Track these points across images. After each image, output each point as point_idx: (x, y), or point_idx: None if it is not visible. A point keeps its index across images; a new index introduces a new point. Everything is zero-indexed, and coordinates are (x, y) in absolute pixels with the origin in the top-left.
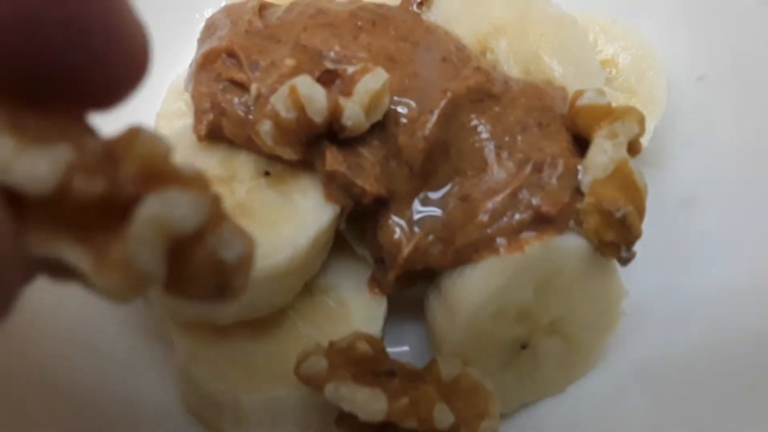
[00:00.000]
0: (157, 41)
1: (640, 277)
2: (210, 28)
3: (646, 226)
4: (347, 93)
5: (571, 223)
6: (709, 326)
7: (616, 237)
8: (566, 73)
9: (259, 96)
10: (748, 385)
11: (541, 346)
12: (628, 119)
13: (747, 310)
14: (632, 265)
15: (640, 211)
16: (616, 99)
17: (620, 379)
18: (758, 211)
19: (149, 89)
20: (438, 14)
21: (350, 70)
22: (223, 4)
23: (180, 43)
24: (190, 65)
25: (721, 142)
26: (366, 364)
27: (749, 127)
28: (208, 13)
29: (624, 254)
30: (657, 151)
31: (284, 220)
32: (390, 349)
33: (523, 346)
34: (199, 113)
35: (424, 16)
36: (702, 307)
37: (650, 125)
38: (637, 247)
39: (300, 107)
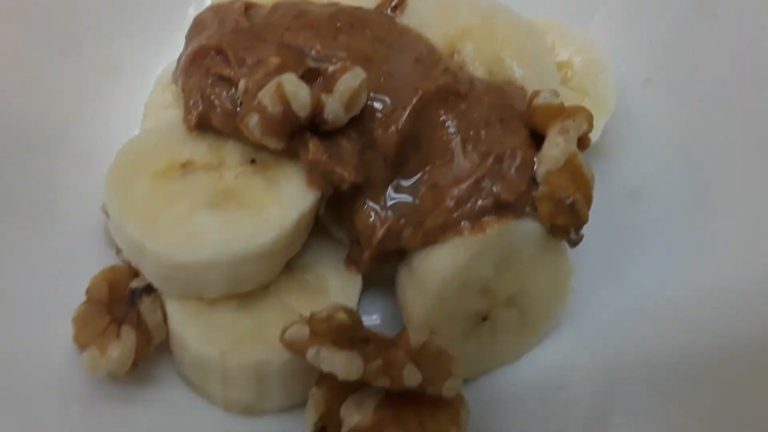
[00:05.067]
0: (144, 36)
1: (590, 259)
2: (198, 25)
3: (596, 213)
4: (328, 90)
5: (528, 209)
6: (652, 302)
7: (566, 221)
8: (525, 74)
9: (247, 91)
10: (690, 353)
11: (500, 318)
12: (578, 117)
13: (685, 288)
14: (583, 248)
15: (588, 199)
16: (570, 98)
17: (571, 350)
18: (696, 202)
19: (138, 81)
20: (411, 17)
21: (331, 68)
22: (209, 2)
23: (166, 38)
24: (179, 60)
25: (665, 139)
26: (344, 331)
27: (690, 126)
28: (193, 10)
29: (573, 236)
30: (606, 146)
31: (270, 203)
32: (366, 322)
33: (484, 318)
34: (189, 105)
35: (398, 19)
36: (645, 286)
37: (600, 123)
38: (587, 232)
39: (286, 102)
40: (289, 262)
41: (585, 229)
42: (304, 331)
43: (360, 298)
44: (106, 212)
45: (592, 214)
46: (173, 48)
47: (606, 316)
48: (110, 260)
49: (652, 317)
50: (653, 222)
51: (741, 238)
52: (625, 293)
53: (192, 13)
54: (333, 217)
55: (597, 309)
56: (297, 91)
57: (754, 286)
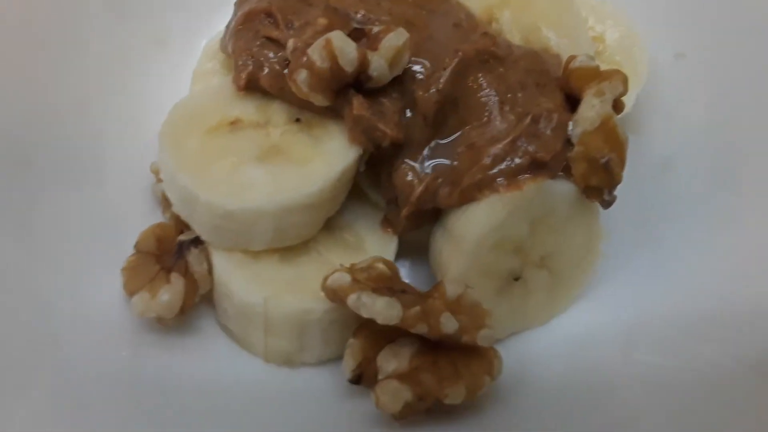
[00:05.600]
0: (192, 7)
1: (620, 227)
2: None
3: (627, 184)
4: (374, 48)
5: (562, 173)
6: (680, 271)
7: (600, 182)
8: (561, 44)
9: (296, 49)
10: (715, 326)
11: (531, 278)
12: (614, 80)
13: (713, 256)
14: (614, 216)
15: (622, 160)
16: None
17: (599, 316)
18: (726, 173)
19: (185, 49)
20: None
21: (375, 29)
22: None
23: (212, 11)
24: (228, 25)
25: (696, 112)
26: (383, 281)
27: (721, 101)
28: None
29: (606, 197)
30: (638, 118)
31: (315, 157)
32: None
33: (516, 278)
34: (238, 66)
35: None
36: (674, 254)
37: (633, 94)
38: (618, 200)
39: (333, 58)
40: (328, 221)
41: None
42: (346, 278)
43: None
44: (154, 172)
45: (623, 184)
46: (219, 20)
47: (635, 284)
48: (157, 219)
49: (680, 285)
50: (683, 193)
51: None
52: (654, 262)
53: None
54: (371, 178)
55: (626, 276)
56: (344, 46)
57: None
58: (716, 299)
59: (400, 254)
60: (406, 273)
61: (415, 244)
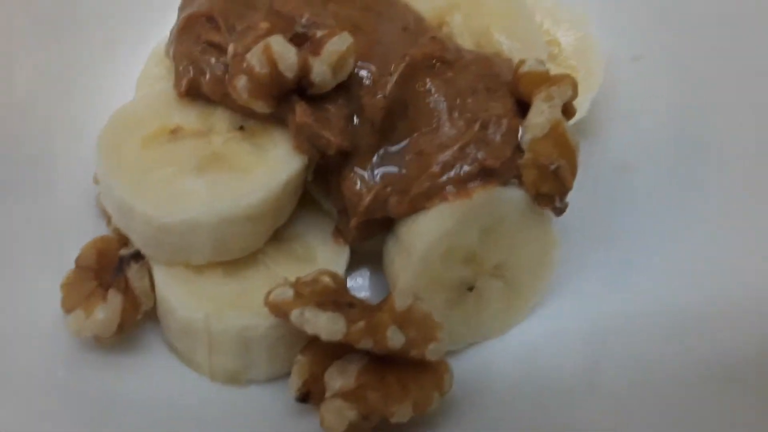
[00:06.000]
0: (138, 11)
1: (578, 233)
2: None
3: (584, 188)
4: (316, 53)
5: (514, 180)
6: (638, 277)
7: (551, 189)
8: (513, 48)
9: (236, 54)
10: (674, 329)
11: (486, 288)
12: (562, 84)
13: (671, 259)
14: (571, 222)
15: (572, 166)
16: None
17: (558, 324)
18: (683, 176)
19: (132, 55)
20: None
21: (319, 33)
22: None
23: (160, 14)
24: (171, 30)
25: (653, 114)
26: (328, 295)
27: (678, 103)
28: None
29: (558, 204)
30: (595, 122)
31: (257, 167)
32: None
33: (470, 288)
34: (179, 72)
35: None
36: (633, 259)
37: (588, 97)
38: (575, 205)
39: (273, 63)
40: (277, 232)
41: (572, 203)
42: (289, 293)
43: (351, 277)
44: (97, 180)
45: (581, 188)
46: (166, 24)
47: (593, 290)
48: (101, 231)
49: (639, 291)
50: (641, 196)
51: (725, 212)
52: (612, 267)
53: None
54: (321, 187)
55: (585, 283)
56: (284, 51)
57: (739, 256)
58: (676, 303)
59: (360, 264)
60: (365, 283)
61: (376, 253)
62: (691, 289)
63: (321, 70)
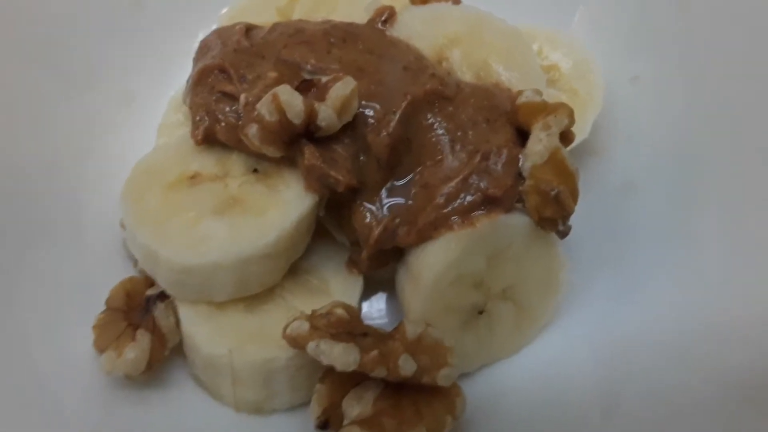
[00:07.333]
0: (157, 62)
1: (585, 253)
2: (203, 48)
3: (588, 208)
4: (321, 98)
5: (519, 205)
6: (646, 295)
7: (553, 213)
8: (511, 77)
9: (247, 104)
10: (684, 348)
11: (496, 311)
12: (559, 113)
13: (677, 278)
14: (577, 242)
15: (573, 191)
16: (559, 99)
17: (569, 343)
18: (686, 194)
19: (152, 104)
20: (401, 30)
21: (324, 79)
22: (214, 27)
23: (177, 63)
24: (187, 81)
25: (654, 134)
26: (342, 326)
27: (678, 121)
28: (202, 36)
29: (561, 228)
30: (597, 143)
31: (271, 208)
32: (371, 322)
33: (480, 311)
34: (196, 121)
35: (388, 32)
36: (639, 277)
37: (589, 119)
38: (581, 226)
39: (281, 111)
40: (293, 265)
41: (578, 224)
42: (305, 326)
43: (369, 302)
44: (123, 226)
45: (586, 208)
46: (184, 72)
47: (602, 309)
48: (129, 273)
49: (647, 308)
50: (644, 215)
51: (729, 229)
52: (619, 285)
53: (201, 38)
54: (334, 221)
55: (594, 301)
56: (291, 100)
57: (741, 274)
58: (684, 321)
59: (377, 289)
60: (383, 308)
61: (391, 279)
62: (699, 306)
63: (327, 115)
